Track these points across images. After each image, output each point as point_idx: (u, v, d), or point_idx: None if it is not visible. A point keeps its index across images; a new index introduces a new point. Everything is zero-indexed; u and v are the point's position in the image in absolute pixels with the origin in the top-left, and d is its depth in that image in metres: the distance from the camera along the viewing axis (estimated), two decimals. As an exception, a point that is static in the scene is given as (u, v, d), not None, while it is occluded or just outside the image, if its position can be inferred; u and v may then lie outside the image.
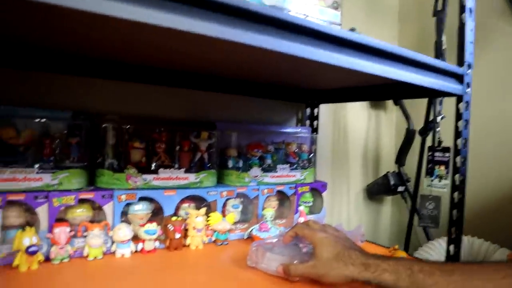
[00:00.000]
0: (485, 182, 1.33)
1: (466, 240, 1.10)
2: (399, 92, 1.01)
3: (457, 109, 0.87)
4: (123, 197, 0.88)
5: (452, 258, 0.88)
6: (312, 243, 0.70)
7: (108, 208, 0.87)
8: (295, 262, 0.72)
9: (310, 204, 1.17)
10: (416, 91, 0.90)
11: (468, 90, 0.86)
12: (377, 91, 1.05)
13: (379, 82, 0.96)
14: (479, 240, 1.09)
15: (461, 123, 0.86)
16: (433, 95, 0.97)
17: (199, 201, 0.99)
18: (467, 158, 0.89)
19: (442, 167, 1.23)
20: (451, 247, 0.89)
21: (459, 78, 0.86)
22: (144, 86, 1.05)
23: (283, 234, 0.77)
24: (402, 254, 0.85)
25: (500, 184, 1.29)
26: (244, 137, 1.10)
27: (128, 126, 0.93)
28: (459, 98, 0.85)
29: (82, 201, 0.85)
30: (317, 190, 1.19)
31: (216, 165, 1.04)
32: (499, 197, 1.29)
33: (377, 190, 1.48)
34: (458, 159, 0.88)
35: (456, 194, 0.88)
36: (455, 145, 0.88)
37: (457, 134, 0.87)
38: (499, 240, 1.12)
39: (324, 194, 1.20)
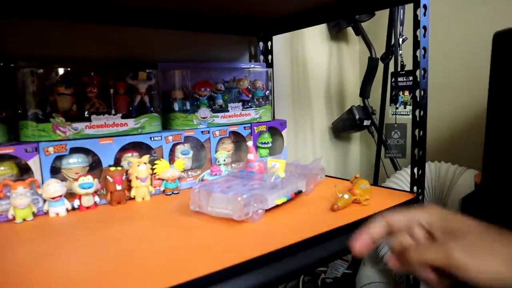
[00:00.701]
0: (447, 109, 1.28)
1: (433, 165, 1.06)
2: (354, 7, 0.91)
3: (415, 16, 0.78)
4: (51, 149, 0.77)
5: (417, 181, 0.83)
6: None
7: (33, 163, 0.76)
8: (244, 196, 0.64)
9: (269, 145, 1.10)
10: (372, 1, 0.81)
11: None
12: (331, 10, 0.95)
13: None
14: (446, 164, 1.05)
15: (419, 33, 0.78)
16: (388, 2, 0.88)
17: (144, 150, 0.89)
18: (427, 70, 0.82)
19: (406, 93, 1.17)
20: (415, 170, 0.83)
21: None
22: (69, 24, 0.91)
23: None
24: (363, 182, 0.79)
25: (462, 109, 1.25)
26: (191, 78, 0.99)
27: (50, 69, 0.81)
28: (417, 3, 0.77)
29: (3, 158, 0.75)
30: (276, 129, 1.11)
31: (159, 109, 0.94)
32: (462, 121, 1.25)
33: (343, 127, 1.41)
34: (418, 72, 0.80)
35: (417, 112, 0.81)
36: (414, 56, 0.80)
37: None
38: (465, 163, 1.09)
39: (284, 132, 1.12)
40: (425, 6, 0.78)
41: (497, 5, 1.18)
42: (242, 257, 0.52)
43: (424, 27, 0.79)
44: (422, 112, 0.82)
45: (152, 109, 0.92)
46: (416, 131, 0.83)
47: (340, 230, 0.64)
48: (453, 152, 1.24)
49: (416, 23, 0.79)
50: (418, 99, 0.82)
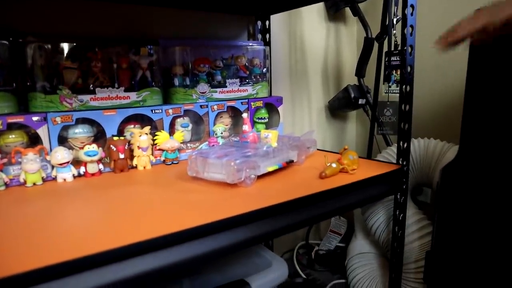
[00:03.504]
0: (438, 87, 1.31)
1: (422, 142, 1.10)
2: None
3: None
4: (58, 119, 0.83)
5: (403, 153, 0.88)
6: None
7: (42, 131, 0.82)
8: (237, 162, 0.69)
9: (266, 120, 1.14)
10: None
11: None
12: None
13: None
14: (435, 141, 1.09)
15: (407, 11, 0.82)
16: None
17: (145, 123, 0.94)
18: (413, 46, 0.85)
19: (399, 72, 1.20)
20: (401, 143, 0.88)
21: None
22: (75, 2, 0.95)
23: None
24: (351, 153, 0.84)
25: (452, 88, 1.28)
26: (191, 54, 1.03)
27: (57, 44, 0.85)
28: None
29: (14, 128, 0.80)
30: (272, 105, 1.16)
31: (160, 84, 0.98)
32: (451, 99, 1.28)
33: (338, 105, 1.45)
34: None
35: (404, 87, 0.85)
36: (403, 37, 0.84)
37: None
38: (454, 139, 1.13)
39: (281, 109, 1.16)
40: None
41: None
42: (232, 213, 0.57)
43: (412, 6, 0.83)
44: (408, 88, 0.86)
45: (153, 83, 0.96)
46: (403, 106, 0.87)
47: (326, 194, 0.69)
48: (442, 129, 1.28)
49: (405, 2, 0.83)
50: (405, 75, 0.86)
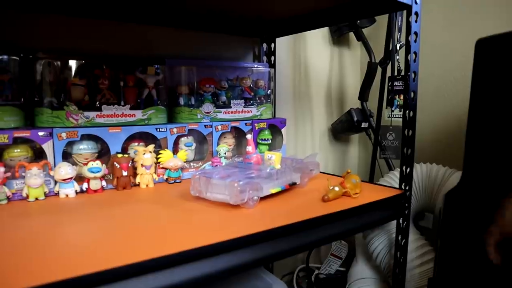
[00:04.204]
0: (441, 113, 1.32)
1: (425, 167, 1.10)
2: (352, 11, 0.96)
3: (408, 23, 0.83)
4: (63, 135, 0.83)
5: (406, 178, 0.87)
6: None
7: (47, 147, 0.82)
8: (241, 183, 0.69)
9: (269, 141, 1.15)
10: (368, 7, 0.87)
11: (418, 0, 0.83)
12: (331, 14, 1.00)
13: (332, 4, 0.93)
14: (437, 166, 1.09)
15: (411, 38, 0.83)
16: (383, 9, 0.94)
17: (150, 141, 0.95)
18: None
19: (402, 96, 1.21)
20: (404, 167, 0.88)
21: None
22: (85, 21, 0.97)
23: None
24: (354, 177, 0.84)
25: (454, 113, 1.29)
26: (197, 74, 1.04)
27: (66, 61, 0.87)
28: (409, 10, 0.81)
29: (19, 142, 0.81)
30: (276, 127, 1.16)
31: (166, 103, 0.99)
32: (454, 125, 1.29)
33: (341, 128, 1.46)
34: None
35: (407, 113, 0.86)
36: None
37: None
38: (456, 165, 1.13)
39: (284, 130, 1.17)
40: (416, 13, 0.83)
41: (484, 13, 1.22)
42: (234, 234, 0.57)
43: (415, 33, 0.84)
44: (411, 113, 0.86)
45: (159, 102, 0.97)
46: (406, 131, 0.87)
47: (328, 217, 0.68)
48: (445, 154, 1.29)
49: (408, 29, 0.84)
50: (408, 101, 0.87)
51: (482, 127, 0.76)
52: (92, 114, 0.87)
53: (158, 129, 0.94)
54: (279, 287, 0.79)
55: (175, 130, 0.97)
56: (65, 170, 0.80)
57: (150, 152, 0.90)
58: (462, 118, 1.28)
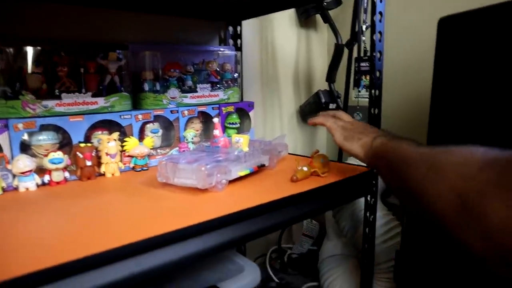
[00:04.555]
0: (402, 93, 1.35)
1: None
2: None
3: (373, 3, 0.83)
4: (20, 126, 0.79)
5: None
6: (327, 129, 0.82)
7: (3, 139, 0.78)
8: (208, 166, 0.68)
9: (237, 125, 1.14)
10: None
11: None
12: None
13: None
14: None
15: (376, 18, 0.84)
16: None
17: (114, 129, 0.92)
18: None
19: (369, 77, 1.22)
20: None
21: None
22: (40, 5, 0.92)
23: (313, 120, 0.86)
24: (322, 157, 0.84)
25: (414, 93, 1.32)
26: (161, 59, 1.01)
27: (20, 48, 0.82)
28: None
29: (-28, 135, 0.76)
30: (243, 110, 1.15)
31: (130, 89, 0.96)
32: (417, 103, 1.32)
33: (309, 109, 1.46)
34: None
35: (373, 92, 0.87)
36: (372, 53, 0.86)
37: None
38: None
39: (252, 114, 1.16)
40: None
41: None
42: (203, 218, 0.56)
43: (380, 13, 0.85)
44: (377, 92, 0.88)
45: (122, 88, 0.94)
46: (372, 110, 0.88)
47: (297, 197, 0.69)
48: (410, 132, 1.31)
49: (373, 9, 0.85)
50: (374, 80, 0.88)
51: (445, 105, 0.78)
52: (51, 103, 0.83)
53: (122, 117, 0.92)
54: (252, 269, 0.79)
55: (140, 116, 0.94)
56: (23, 162, 0.76)
57: (115, 140, 0.87)
58: (425, 96, 1.31)
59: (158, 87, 1.00)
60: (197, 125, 1.06)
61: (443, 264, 0.81)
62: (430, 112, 0.81)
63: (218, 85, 1.11)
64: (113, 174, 0.88)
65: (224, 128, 1.12)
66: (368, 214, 0.92)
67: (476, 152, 0.42)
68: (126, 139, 0.91)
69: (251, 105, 1.16)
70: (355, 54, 1.29)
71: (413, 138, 0.63)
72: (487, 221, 0.36)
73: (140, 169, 0.92)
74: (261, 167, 0.84)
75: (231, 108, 1.11)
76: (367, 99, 1.20)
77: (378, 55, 0.87)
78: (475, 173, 0.39)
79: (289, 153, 1.02)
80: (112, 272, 0.48)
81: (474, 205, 0.37)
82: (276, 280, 1.36)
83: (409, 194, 0.52)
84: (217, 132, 0.83)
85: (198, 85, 1.05)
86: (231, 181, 0.75)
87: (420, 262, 0.87)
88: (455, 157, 0.45)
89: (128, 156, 0.91)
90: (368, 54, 1.25)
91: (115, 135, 0.88)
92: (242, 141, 0.80)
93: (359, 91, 1.24)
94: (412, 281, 0.89)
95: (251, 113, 1.16)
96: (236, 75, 1.15)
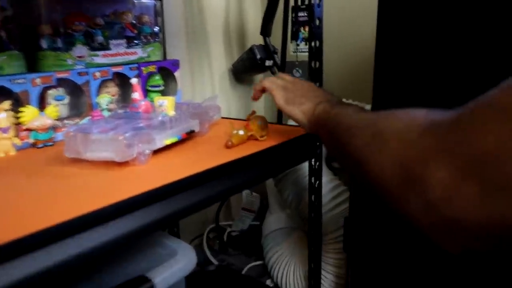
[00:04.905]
0: (345, 45, 1.37)
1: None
2: None
3: None
4: None
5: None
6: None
7: None
8: (127, 135, 0.64)
9: (161, 88, 1.08)
10: None
11: None
12: None
13: None
14: (346, 101, 1.14)
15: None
16: None
17: (3, 97, 0.83)
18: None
19: (307, 28, 1.22)
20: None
21: None
22: None
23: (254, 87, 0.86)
24: (260, 119, 0.83)
25: (357, 45, 1.34)
26: (61, 9, 0.93)
27: None
28: None
29: None
30: (167, 70, 1.10)
31: (21, 46, 0.87)
32: (360, 57, 1.35)
33: (243, 68, 1.44)
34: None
35: (313, 43, 0.86)
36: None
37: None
38: (364, 100, 1.19)
39: (178, 74, 1.11)
40: None
41: None
42: (123, 196, 0.52)
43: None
44: (318, 43, 0.87)
45: (11, 46, 0.85)
46: (313, 63, 0.88)
47: (233, 164, 0.67)
48: (354, 88, 1.35)
49: None
50: (314, 29, 0.87)
51: (389, 58, 0.79)
52: None
53: (13, 81, 0.82)
54: (186, 251, 0.77)
55: (38, 81, 0.86)
56: None
57: (6, 110, 0.79)
58: (369, 49, 1.34)
59: (59, 43, 0.91)
60: (112, 89, 1.00)
61: (393, 229, 0.84)
62: (375, 66, 0.82)
63: (136, 41, 1.04)
64: (6, 153, 0.80)
65: (146, 92, 1.06)
66: (313, 180, 0.94)
67: (418, 115, 0.42)
68: (21, 109, 0.82)
69: (176, 64, 1.11)
70: (292, 3, 1.27)
71: (359, 105, 0.64)
72: (430, 192, 0.35)
73: (42, 145, 0.84)
74: (190, 134, 0.81)
75: (152, 68, 1.05)
76: (306, 53, 1.21)
77: (317, 1, 0.86)
78: (415, 139, 0.39)
79: (222, 117, 1.00)
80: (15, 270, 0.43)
81: (416, 175, 0.37)
82: (216, 262, 1.36)
83: (353, 164, 0.52)
84: (136, 95, 0.78)
85: (110, 41, 0.98)
86: (155, 152, 0.71)
87: (370, 229, 0.90)
88: (396, 123, 0.45)
89: (26, 130, 0.83)
90: (306, 2, 1.24)
91: (6, 104, 0.79)
92: (166, 103, 0.76)
93: (298, 45, 1.24)
94: (362, 250, 0.93)
95: (176, 73, 1.11)
96: (156, 29, 1.09)
